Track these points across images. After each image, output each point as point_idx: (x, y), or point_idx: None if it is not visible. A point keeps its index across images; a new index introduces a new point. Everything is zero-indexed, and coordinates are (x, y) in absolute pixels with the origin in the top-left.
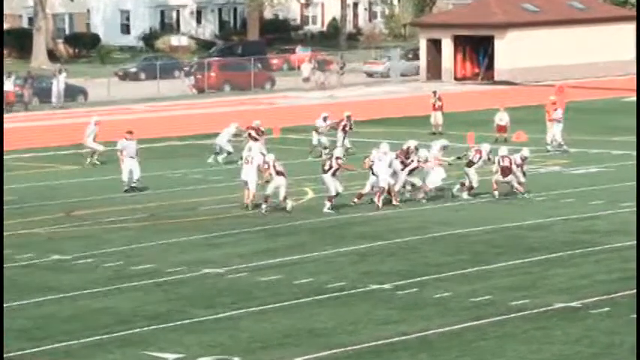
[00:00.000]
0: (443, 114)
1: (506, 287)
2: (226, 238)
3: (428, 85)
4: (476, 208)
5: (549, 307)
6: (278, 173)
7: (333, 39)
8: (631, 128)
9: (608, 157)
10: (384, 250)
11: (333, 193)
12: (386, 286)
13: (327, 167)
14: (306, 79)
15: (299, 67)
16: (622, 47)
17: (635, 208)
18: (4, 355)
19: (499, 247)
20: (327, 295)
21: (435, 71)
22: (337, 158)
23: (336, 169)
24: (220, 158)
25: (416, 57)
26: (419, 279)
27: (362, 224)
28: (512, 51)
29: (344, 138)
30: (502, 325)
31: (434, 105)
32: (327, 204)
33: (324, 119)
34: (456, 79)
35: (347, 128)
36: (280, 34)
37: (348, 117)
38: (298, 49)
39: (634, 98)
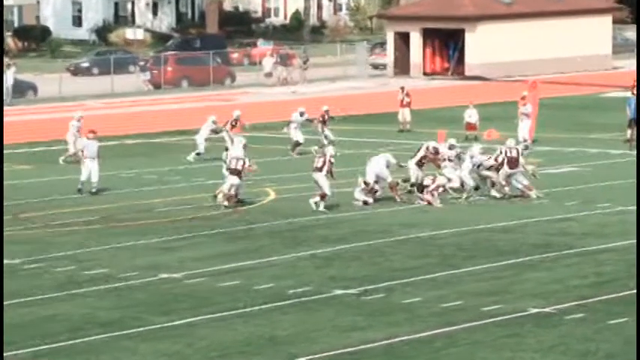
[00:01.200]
0: (411, 111)
1: (477, 292)
2: (182, 241)
3: (395, 80)
4: (444, 210)
5: (522, 313)
6: (232, 172)
7: (296, 32)
8: (608, 125)
9: (584, 156)
10: (348, 254)
11: (328, 193)
12: (351, 291)
13: (319, 165)
14: (268, 75)
15: (260, 62)
16: (599, 41)
17: (610, 210)
18: None
19: (469, 251)
20: (289, 301)
21: (403, 66)
22: (331, 157)
23: (330, 169)
24: (191, 156)
25: (383, 51)
26: (386, 284)
27: (325, 227)
28: (483, 45)
29: (323, 131)
30: (473, 331)
31: (402, 101)
32: (322, 203)
33: (301, 114)
34: (424, 74)
35: (325, 119)
36: (241, 26)
37: (326, 111)
38: (259, 42)
39: (612, 94)
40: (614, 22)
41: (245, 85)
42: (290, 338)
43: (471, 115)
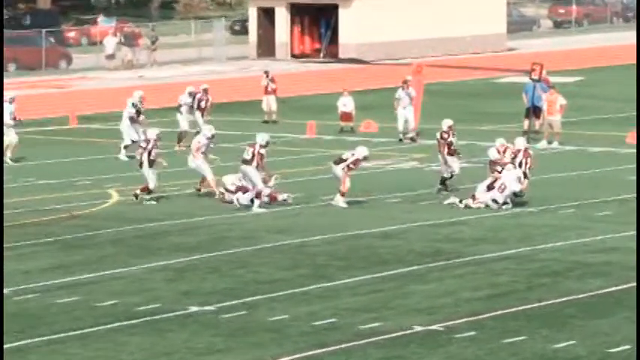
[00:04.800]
0: (277, 99)
1: (354, 308)
2: (9, 251)
3: (259, 63)
4: (317, 213)
5: (405, 332)
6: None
7: (143, 7)
8: (504, 115)
9: (476, 149)
10: (206, 265)
11: (260, 187)
12: (208, 308)
13: (248, 157)
14: (110, 57)
15: (101, 42)
16: (491, 18)
17: (506, 212)
18: None
19: (345, 260)
20: (136, 320)
21: (267, 47)
22: (261, 146)
23: (260, 160)
24: (122, 154)
25: (245, 30)
26: (249, 299)
27: (179, 233)
28: (359, 23)
29: (202, 116)
30: (349, 353)
31: (266, 88)
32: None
33: (190, 95)
34: (292, 56)
35: (205, 105)
36: (78, 0)
37: (205, 90)
38: (100, 19)
39: (507, 79)
40: None
41: (83, 68)
42: None
43: (346, 104)
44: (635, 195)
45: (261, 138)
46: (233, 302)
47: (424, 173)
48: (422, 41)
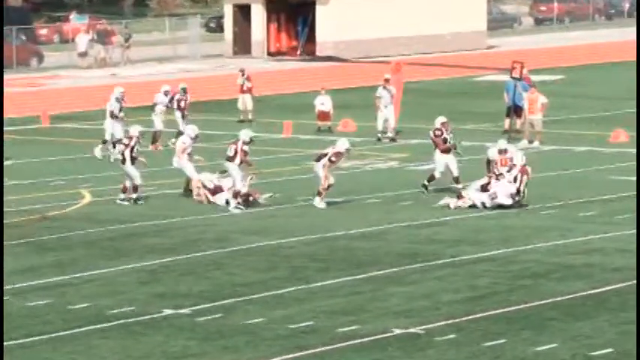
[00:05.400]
0: (253, 97)
1: (332, 311)
2: None
3: (234, 61)
4: (294, 214)
5: (384, 335)
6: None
7: (116, 5)
8: (484, 114)
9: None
10: (180, 267)
11: (238, 187)
12: (183, 311)
13: (231, 154)
14: (83, 55)
15: (74, 40)
16: (471, 15)
17: (487, 212)
18: None
19: (322, 262)
20: (109, 324)
21: (243, 45)
22: (244, 143)
23: (244, 157)
24: (98, 149)
25: (220, 27)
26: (224, 302)
27: (153, 235)
28: (337, 20)
29: (183, 118)
30: (326, 357)
31: (242, 86)
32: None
33: (166, 93)
34: (269, 54)
35: (185, 104)
36: None
37: (184, 90)
38: (73, 16)
39: (487, 77)
40: None
41: (55, 67)
42: None
43: (324, 103)
44: (616, 195)
45: (245, 134)
46: (208, 305)
47: (403, 173)
48: (401, 39)
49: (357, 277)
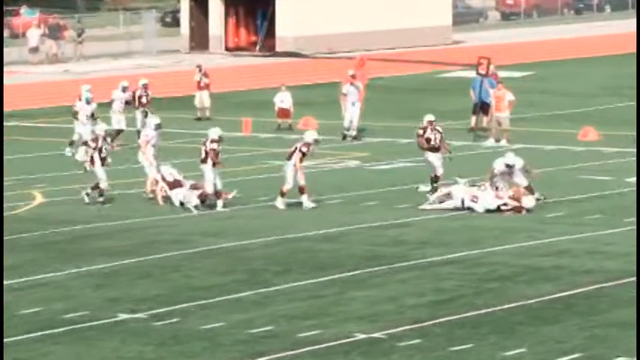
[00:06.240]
0: (211, 94)
1: (292, 315)
2: None
3: (191, 57)
4: (253, 215)
5: (346, 340)
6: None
7: None
8: (449, 112)
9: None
10: (136, 270)
11: (213, 188)
12: (139, 315)
13: (202, 155)
14: (34, 50)
15: (24, 35)
16: (436, 10)
17: (452, 213)
18: None
19: (283, 264)
20: (61, 329)
21: (200, 40)
22: (212, 142)
23: (215, 157)
24: (68, 150)
25: (176, 22)
26: (182, 306)
27: (106, 237)
28: (298, 14)
29: (145, 116)
30: None
31: (199, 83)
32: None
33: (124, 90)
34: (227, 49)
35: (147, 101)
36: None
37: (145, 86)
38: (23, 10)
39: (452, 74)
40: None
41: (5, 62)
42: None
43: (284, 100)
44: (586, 195)
45: (213, 132)
46: (165, 309)
47: (366, 173)
48: (364, 34)
49: (319, 280)
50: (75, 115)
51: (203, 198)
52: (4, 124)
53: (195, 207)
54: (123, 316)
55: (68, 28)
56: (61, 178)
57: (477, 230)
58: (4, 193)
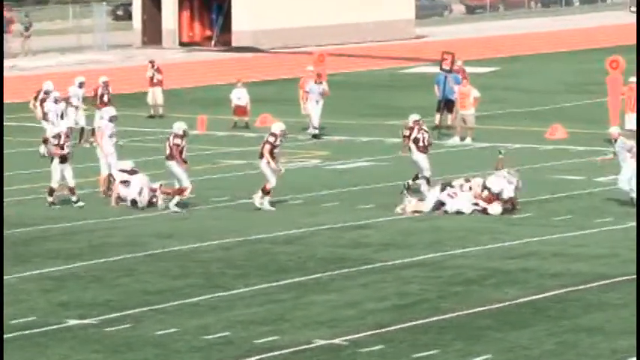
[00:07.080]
0: (163, 91)
1: (250, 320)
2: None
3: (144, 52)
4: (210, 216)
5: (305, 346)
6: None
7: None
8: (412, 109)
9: (381, 146)
10: (86, 274)
11: (186, 185)
12: (89, 321)
13: (167, 152)
14: None
15: None
16: (400, 3)
17: (418, 214)
18: None
19: (241, 267)
20: (9, 335)
21: (153, 34)
22: (175, 137)
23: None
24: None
25: (128, 15)
26: (134, 311)
27: (56, 239)
28: (254, 8)
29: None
30: None
31: (151, 79)
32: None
33: (80, 85)
34: (181, 44)
35: (108, 99)
36: None
37: (105, 83)
38: None
39: (415, 69)
40: None
41: None
42: None
43: (240, 97)
44: (554, 195)
45: (177, 127)
46: (116, 314)
47: (326, 173)
48: (323, 28)
49: (278, 283)
50: (45, 116)
51: (150, 199)
52: None
53: (177, 204)
54: (72, 322)
55: (15, 22)
56: (9, 177)
57: (441, 232)
58: None
